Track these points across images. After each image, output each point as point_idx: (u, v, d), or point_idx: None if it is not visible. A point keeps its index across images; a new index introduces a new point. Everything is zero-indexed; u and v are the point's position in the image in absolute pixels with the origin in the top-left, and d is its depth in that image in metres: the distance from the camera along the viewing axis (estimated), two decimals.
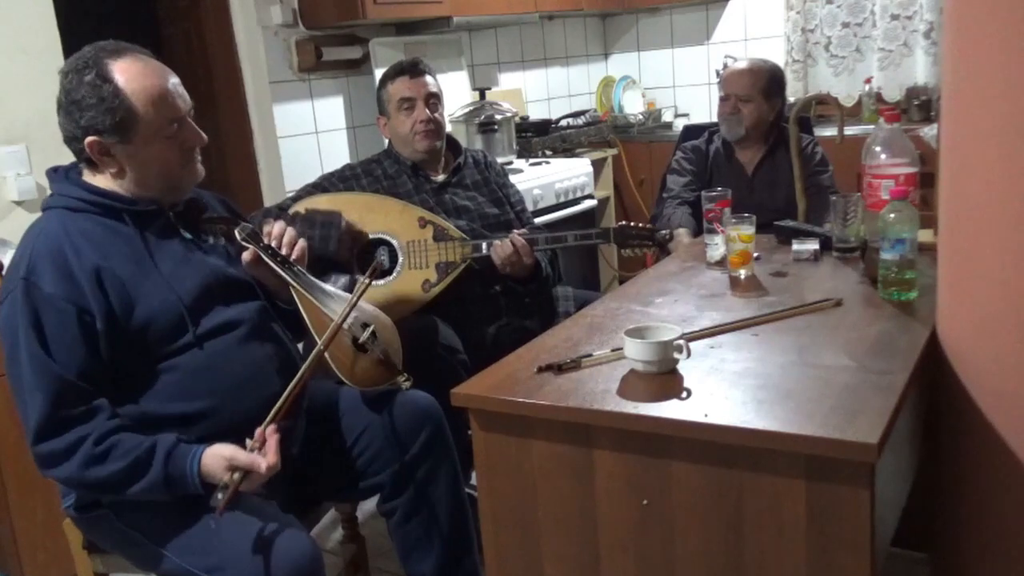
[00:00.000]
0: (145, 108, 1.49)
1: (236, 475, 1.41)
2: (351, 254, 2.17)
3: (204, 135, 1.59)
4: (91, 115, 1.47)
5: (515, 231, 2.23)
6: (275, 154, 3.13)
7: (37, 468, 1.46)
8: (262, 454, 1.42)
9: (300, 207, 2.23)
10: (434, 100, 2.39)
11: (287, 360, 1.65)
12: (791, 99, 3.48)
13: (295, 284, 1.65)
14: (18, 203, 2.35)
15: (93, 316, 1.45)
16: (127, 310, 1.48)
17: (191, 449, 1.45)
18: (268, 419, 1.46)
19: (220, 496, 1.39)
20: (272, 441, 1.44)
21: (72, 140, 1.52)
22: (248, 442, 1.44)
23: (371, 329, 1.67)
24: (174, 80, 1.56)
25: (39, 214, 1.58)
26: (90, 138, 1.48)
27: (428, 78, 2.40)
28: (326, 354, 1.60)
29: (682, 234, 2.64)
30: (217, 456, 1.43)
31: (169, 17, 3.38)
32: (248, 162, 3.13)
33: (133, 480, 1.43)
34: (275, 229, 1.69)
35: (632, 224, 2.24)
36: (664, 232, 2.30)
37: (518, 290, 2.30)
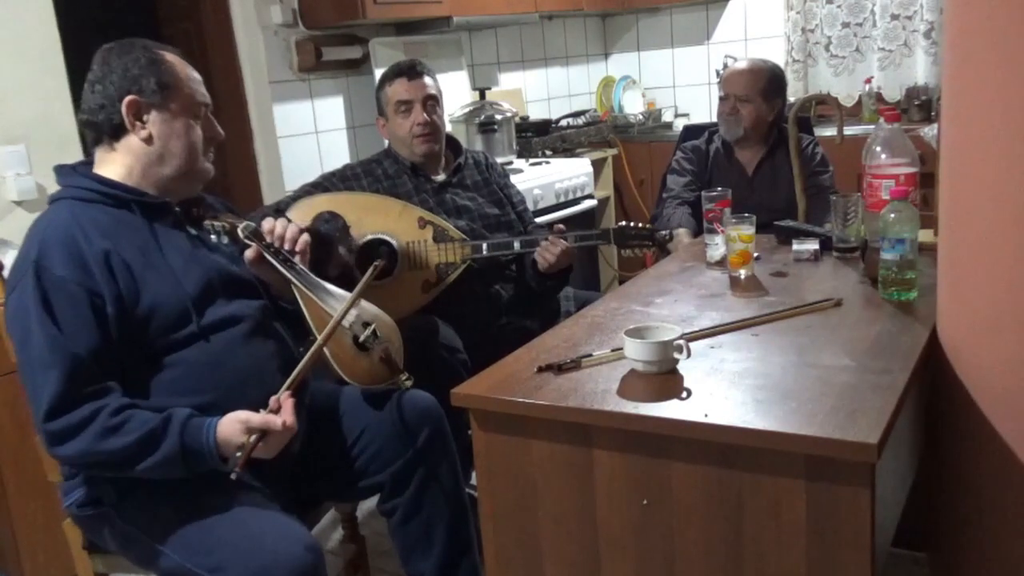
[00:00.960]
0: (186, 82, 1.59)
1: (253, 437, 1.43)
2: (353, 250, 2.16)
3: (222, 132, 1.66)
4: (135, 74, 1.54)
5: (557, 234, 2.22)
6: (275, 154, 3.13)
7: (46, 447, 1.45)
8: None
9: (300, 207, 2.23)
10: (432, 102, 2.38)
11: (289, 358, 1.66)
12: (791, 99, 3.48)
13: (297, 282, 1.66)
14: (18, 203, 2.35)
15: (104, 300, 1.47)
16: (134, 296, 1.50)
17: (206, 420, 1.46)
18: (283, 388, 1.50)
19: (238, 455, 1.42)
20: (288, 404, 1.47)
21: (103, 108, 1.54)
22: (263, 411, 1.47)
23: (372, 328, 1.68)
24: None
25: (38, 214, 1.58)
26: (129, 97, 1.53)
27: (427, 80, 2.39)
28: (327, 351, 1.61)
29: (682, 234, 2.64)
30: (232, 421, 1.45)
31: (169, 17, 3.38)
32: (248, 162, 3.13)
33: (147, 453, 1.43)
34: (277, 227, 1.70)
35: (632, 224, 2.24)
36: (664, 232, 2.30)
37: (545, 284, 2.30)
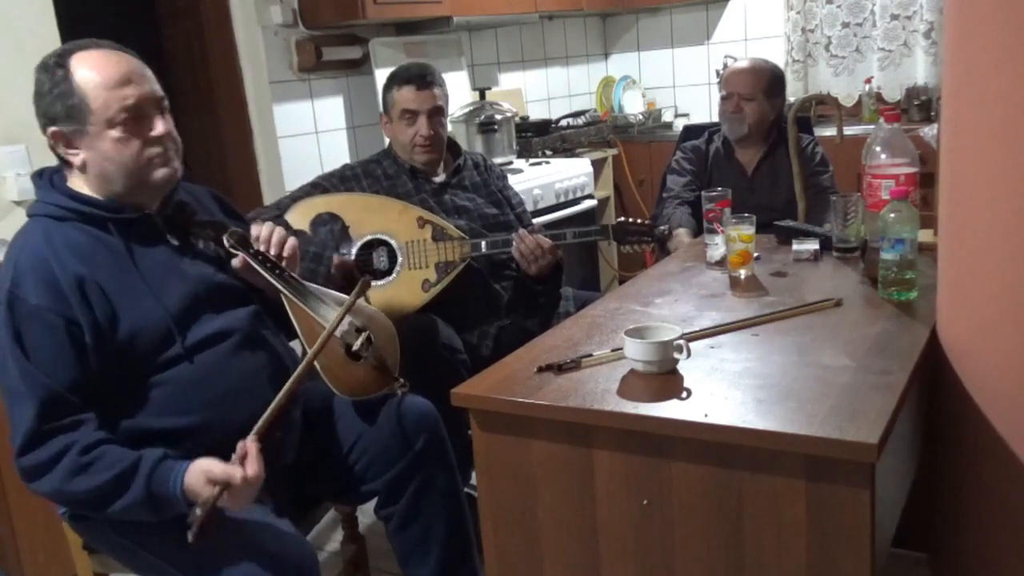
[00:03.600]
0: (95, 94, 1.45)
1: (215, 490, 1.34)
2: (341, 284, 2.14)
3: (165, 128, 1.50)
4: (47, 103, 1.46)
5: (538, 234, 2.22)
6: (275, 154, 3.13)
7: (23, 483, 1.42)
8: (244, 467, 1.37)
9: (299, 208, 2.23)
10: (438, 115, 2.37)
11: (280, 368, 1.61)
12: (791, 99, 3.48)
13: (285, 291, 1.60)
14: (18, 203, 2.35)
15: (81, 328, 1.41)
16: (111, 322, 1.44)
17: (175, 466, 1.39)
18: (253, 432, 1.41)
19: (198, 512, 1.33)
20: (253, 452, 1.38)
21: (46, 138, 1.50)
22: (233, 457, 1.39)
23: (366, 335, 1.64)
24: (137, 71, 1.49)
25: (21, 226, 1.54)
26: (50, 128, 1.47)
27: (435, 91, 2.36)
28: (317, 365, 1.55)
29: (682, 234, 2.65)
30: (198, 471, 1.37)
31: (169, 17, 3.38)
32: (248, 162, 3.13)
33: (116, 495, 1.38)
34: (263, 232, 1.66)
35: (631, 220, 2.25)
36: (663, 228, 2.30)
37: (536, 289, 2.29)
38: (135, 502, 1.39)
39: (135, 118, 1.47)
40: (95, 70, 1.46)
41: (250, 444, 1.39)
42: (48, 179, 1.55)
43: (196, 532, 1.32)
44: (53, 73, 1.46)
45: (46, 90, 1.46)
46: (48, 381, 1.39)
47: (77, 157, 1.49)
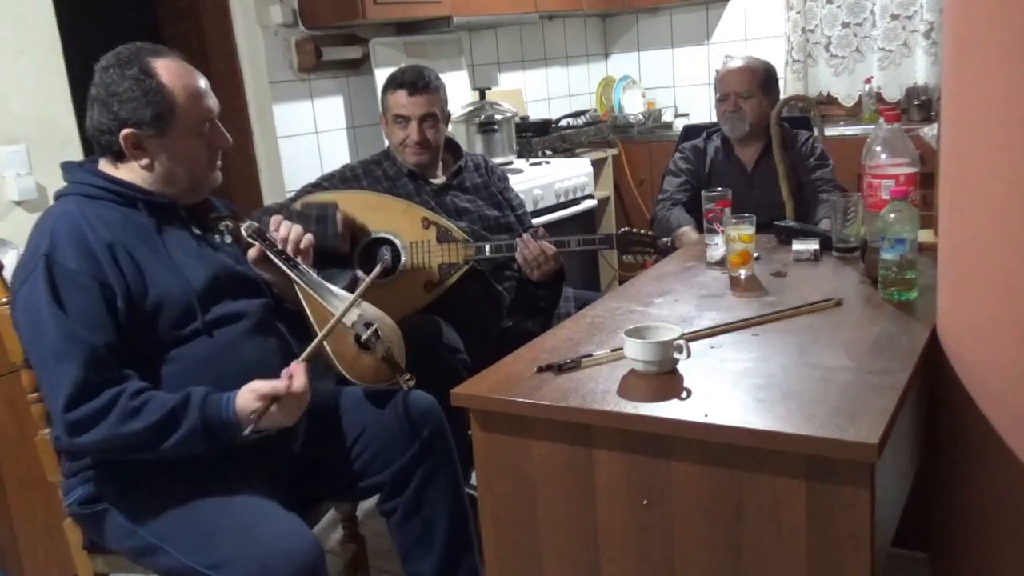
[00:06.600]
0: (184, 104, 1.54)
1: (264, 403, 1.46)
2: (347, 244, 2.17)
3: (230, 138, 1.65)
4: (132, 107, 1.51)
5: (543, 240, 2.21)
6: (275, 154, 3.13)
7: (65, 439, 1.45)
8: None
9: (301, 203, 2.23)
10: (430, 120, 2.35)
11: (291, 355, 1.66)
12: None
13: (299, 281, 1.66)
14: (18, 203, 2.35)
15: (114, 292, 1.48)
16: (141, 290, 1.51)
17: (223, 395, 1.48)
18: (299, 359, 1.53)
19: (252, 416, 1.45)
20: (300, 369, 1.49)
21: (104, 133, 1.54)
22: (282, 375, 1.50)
23: (374, 328, 1.69)
24: (206, 82, 1.61)
25: (39, 214, 1.58)
26: (126, 130, 1.52)
27: (428, 96, 2.34)
28: (328, 348, 1.62)
29: (688, 230, 2.65)
30: (246, 391, 1.48)
31: (169, 17, 3.38)
32: (248, 162, 3.13)
33: (171, 430, 1.44)
34: (282, 227, 1.72)
35: (635, 231, 2.25)
36: (666, 240, 2.30)
37: (538, 293, 2.29)
38: (190, 432, 1.45)
39: (210, 127, 1.60)
40: (183, 80, 1.55)
41: (296, 365, 1.51)
42: (79, 165, 1.62)
43: (255, 427, 1.46)
44: (141, 80, 1.52)
45: (135, 95, 1.52)
46: (90, 338, 1.44)
47: (144, 158, 1.56)
